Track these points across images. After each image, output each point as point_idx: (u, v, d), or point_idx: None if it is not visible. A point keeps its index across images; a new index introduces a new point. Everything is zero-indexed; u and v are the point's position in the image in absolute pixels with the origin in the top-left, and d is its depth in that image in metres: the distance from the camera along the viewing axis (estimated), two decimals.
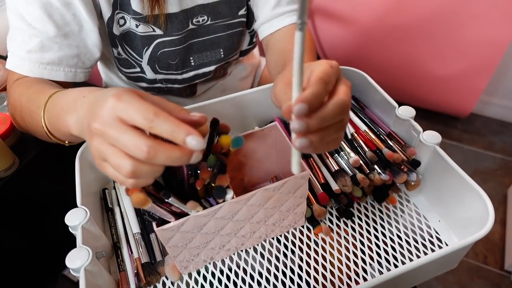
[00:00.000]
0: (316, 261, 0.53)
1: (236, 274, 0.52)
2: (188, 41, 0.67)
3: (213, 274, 0.52)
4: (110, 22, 0.60)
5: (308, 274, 0.51)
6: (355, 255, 0.53)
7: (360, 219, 0.58)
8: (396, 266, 0.52)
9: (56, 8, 0.52)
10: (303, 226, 0.57)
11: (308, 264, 0.52)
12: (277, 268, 0.52)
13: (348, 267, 0.52)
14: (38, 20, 0.52)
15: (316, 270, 0.52)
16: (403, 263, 0.52)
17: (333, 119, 0.32)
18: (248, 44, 0.77)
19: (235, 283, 0.51)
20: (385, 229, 0.56)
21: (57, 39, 0.54)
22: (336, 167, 0.57)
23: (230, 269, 0.53)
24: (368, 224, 0.57)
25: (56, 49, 0.54)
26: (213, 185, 0.42)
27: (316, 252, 0.54)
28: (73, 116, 0.39)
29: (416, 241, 0.54)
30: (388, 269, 0.51)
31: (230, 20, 0.68)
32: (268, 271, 0.52)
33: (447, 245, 0.54)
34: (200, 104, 0.62)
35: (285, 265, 0.52)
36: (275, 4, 0.65)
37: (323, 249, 0.54)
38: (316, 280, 0.51)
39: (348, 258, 0.53)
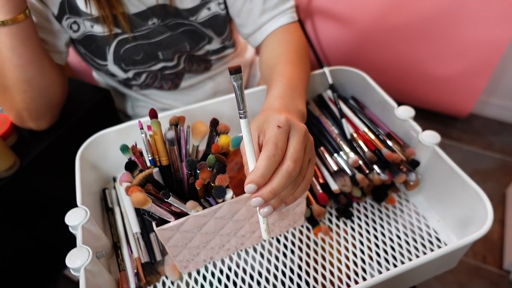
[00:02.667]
0: (315, 261, 0.53)
1: (236, 274, 0.52)
2: (153, 39, 0.66)
3: (213, 274, 0.52)
4: (59, 19, 0.61)
5: (307, 274, 0.51)
6: (355, 255, 0.53)
7: (360, 219, 0.58)
8: (395, 265, 0.52)
9: None
10: (302, 226, 0.57)
11: (308, 264, 0.52)
12: (276, 268, 0.52)
13: (347, 267, 0.52)
14: None
15: (315, 270, 0.52)
16: (403, 262, 0.52)
17: (283, 187, 0.36)
18: (219, 43, 0.73)
19: (234, 283, 0.51)
20: (384, 229, 0.56)
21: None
22: (336, 167, 0.57)
23: (230, 269, 0.53)
24: (367, 224, 0.57)
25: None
26: (212, 185, 0.42)
27: (315, 252, 0.54)
28: None
29: (416, 241, 0.54)
30: (388, 269, 0.51)
31: (177, 20, 0.66)
32: (268, 270, 0.52)
33: (446, 244, 0.54)
34: (201, 104, 0.63)
35: (284, 264, 0.53)
36: (261, 12, 0.64)
37: (323, 249, 0.54)
38: (315, 280, 0.51)
39: (347, 258, 0.53)
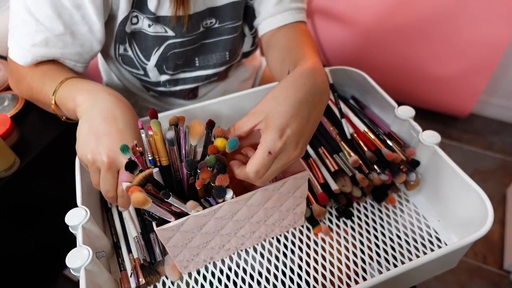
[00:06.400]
0: (316, 261, 0.53)
1: (236, 274, 0.52)
2: (198, 43, 0.67)
3: (213, 274, 0.52)
4: (125, 20, 0.59)
5: (308, 273, 0.51)
6: (355, 254, 0.53)
7: (360, 219, 0.58)
8: (395, 265, 0.52)
9: (66, 8, 0.52)
10: (302, 226, 0.57)
11: (308, 264, 0.52)
12: (277, 268, 0.52)
13: (348, 266, 0.52)
14: (46, 18, 0.52)
15: (316, 270, 0.52)
16: (403, 262, 0.52)
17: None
18: (251, 45, 0.76)
19: (235, 283, 0.51)
20: (384, 229, 0.56)
21: (63, 37, 0.54)
22: (336, 167, 0.57)
23: (230, 269, 0.53)
24: (367, 224, 0.57)
25: (60, 46, 0.54)
26: (213, 185, 0.42)
27: (316, 252, 0.54)
28: (88, 101, 0.47)
29: (416, 241, 0.54)
30: (388, 269, 0.51)
31: (236, 23, 0.67)
32: (268, 270, 0.52)
33: (446, 244, 0.54)
34: (201, 104, 0.62)
35: (285, 264, 0.53)
36: (278, 0, 0.65)
37: (323, 249, 0.54)
38: (316, 280, 0.51)
39: (347, 258, 0.53)
